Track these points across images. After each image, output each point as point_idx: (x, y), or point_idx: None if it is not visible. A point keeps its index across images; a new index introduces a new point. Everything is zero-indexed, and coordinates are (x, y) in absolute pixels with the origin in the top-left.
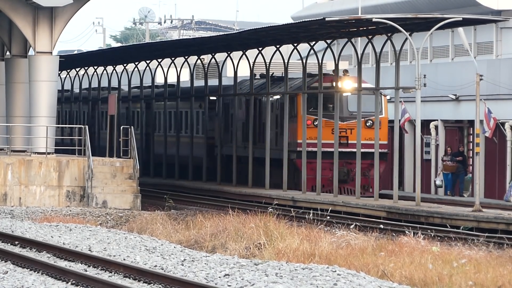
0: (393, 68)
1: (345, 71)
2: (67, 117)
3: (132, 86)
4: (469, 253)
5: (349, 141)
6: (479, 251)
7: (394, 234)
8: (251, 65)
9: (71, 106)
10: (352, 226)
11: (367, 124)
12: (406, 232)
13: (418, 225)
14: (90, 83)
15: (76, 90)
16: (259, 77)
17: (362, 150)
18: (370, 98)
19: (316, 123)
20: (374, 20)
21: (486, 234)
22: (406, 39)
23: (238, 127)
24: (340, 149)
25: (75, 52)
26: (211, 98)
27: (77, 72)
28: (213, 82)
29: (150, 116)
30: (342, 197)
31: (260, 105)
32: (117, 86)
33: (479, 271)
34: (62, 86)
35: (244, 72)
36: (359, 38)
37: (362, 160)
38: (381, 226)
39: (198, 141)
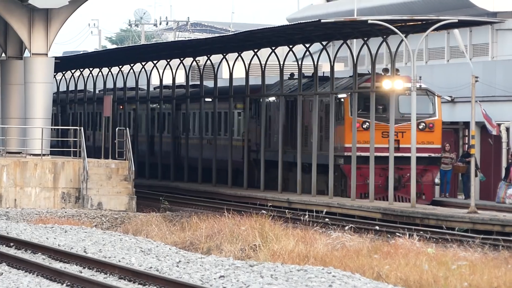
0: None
1: (396, 70)
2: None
3: (128, 87)
4: (465, 254)
5: (400, 145)
6: (474, 253)
7: (389, 235)
8: (247, 67)
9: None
10: (347, 228)
11: (420, 127)
12: (402, 233)
13: (413, 227)
14: (85, 84)
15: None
16: (289, 77)
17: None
18: (422, 99)
19: (365, 126)
20: (369, 21)
21: (482, 236)
22: (402, 40)
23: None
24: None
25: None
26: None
27: (73, 73)
28: (208, 84)
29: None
30: (337, 198)
31: (294, 106)
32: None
33: (474, 273)
34: (67, 87)
35: (239, 73)
36: (354, 40)
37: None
38: (377, 227)
39: (194, 142)
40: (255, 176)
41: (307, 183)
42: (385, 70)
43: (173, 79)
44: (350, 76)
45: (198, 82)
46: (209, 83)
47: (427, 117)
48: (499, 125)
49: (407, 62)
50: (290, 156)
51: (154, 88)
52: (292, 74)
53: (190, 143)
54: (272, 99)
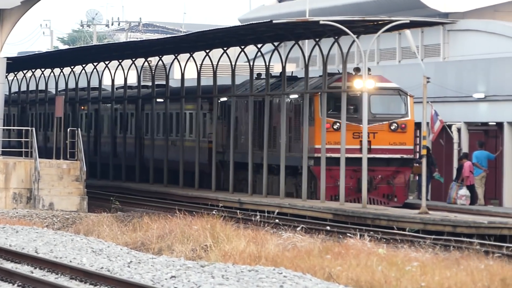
0: (339, 70)
1: (368, 70)
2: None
3: (80, 87)
4: (416, 255)
5: (372, 146)
6: (425, 253)
7: (340, 236)
8: (199, 68)
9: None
10: (298, 228)
11: (392, 128)
12: (353, 234)
13: (364, 227)
14: (45, 84)
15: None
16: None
17: (386, 155)
18: (394, 99)
19: (336, 126)
20: (321, 22)
21: (433, 237)
22: (353, 41)
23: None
24: (362, 155)
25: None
26: (158, 100)
27: (24, 74)
28: (173, 83)
29: (100, 118)
30: (289, 199)
31: (262, 107)
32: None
33: (426, 274)
34: (27, 87)
35: (191, 74)
36: (306, 40)
37: (386, 167)
38: (328, 228)
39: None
40: (221, 178)
41: (276, 186)
42: (356, 70)
43: (125, 79)
44: (320, 76)
45: (163, 82)
46: (174, 83)
47: (399, 118)
48: (450, 126)
49: (359, 63)
50: (258, 157)
51: (117, 88)
52: (259, 74)
53: (148, 144)
54: (239, 99)
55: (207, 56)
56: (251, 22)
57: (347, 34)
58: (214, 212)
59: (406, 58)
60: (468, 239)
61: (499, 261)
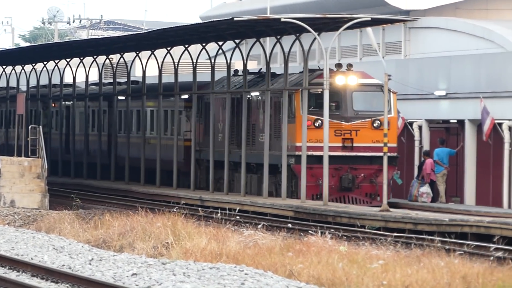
0: (301, 68)
1: (349, 65)
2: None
3: (39, 85)
4: (377, 252)
5: (354, 144)
6: (386, 251)
7: (301, 233)
8: (160, 65)
9: None
10: (260, 226)
11: (375, 125)
12: (314, 231)
13: (325, 225)
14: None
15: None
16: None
17: (368, 154)
18: (377, 95)
19: (317, 123)
20: (282, 20)
21: (394, 234)
22: (315, 39)
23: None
24: (344, 153)
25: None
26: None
27: None
28: (122, 81)
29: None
30: (250, 197)
31: (240, 104)
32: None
33: (387, 271)
34: None
35: (152, 71)
36: (267, 38)
37: (368, 165)
38: (289, 225)
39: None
40: (198, 176)
41: (254, 184)
42: (338, 65)
43: (86, 77)
44: (300, 72)
45: (138, 79)
46: (150, 80)
47: (381, 115)
48: (411, 124)
49: (320, 61)
50: (236, 156)
51: (91, 85)
52: (236, 71)
53: (121, 142)
54: (217, 96)
55: (168, 54)
56: (212, 20)
57: (308, 31)
58: (175, 210)
59: (368, 55)
60: (429, 237)
61: (460, 259)
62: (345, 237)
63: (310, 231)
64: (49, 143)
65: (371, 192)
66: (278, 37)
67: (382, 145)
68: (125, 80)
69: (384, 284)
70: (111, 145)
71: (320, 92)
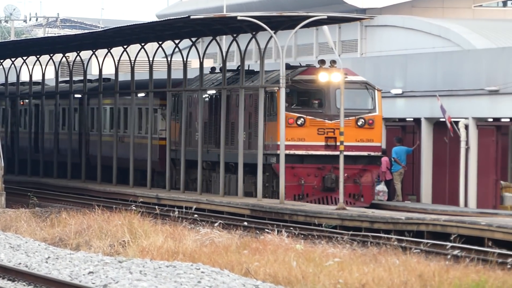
0: (257, 66)
1: (333, 62)
2: None
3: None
4: (333, 251)
5: (338, 143)
6: (343, 249)
7: (258, 232)
8: (116, 63)
9: None
10: (216, 224)
11: (359, 123)
12: (270, 230)
13: (282, 223)
14: None
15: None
16: (213, 71)
17: (352, 153)
18: (361, 93)
19: (300, 122)
20: (239, 18)
21: (350, 232)
22: (271, 37)
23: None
24: (327, 153)
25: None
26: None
27: None
28: (79, 79)
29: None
30: (206, 195)
31: (218, 102)
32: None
33: (343, 270)
34: None
35: (109, 70)
36: (224, 36)
37: (352, 165)
38: (245, 223)
39: (64, 138)
40: (173, 176)
41: (233, 185)
42: (321, 62)
43: (43, 75)
44: None
45: (108, 76)
46: (123, 77)
47: (366, 113)
48: None
49: (277, 59)
50: (214, 155)
51: (61, 83)
52: (213, 68)
53: (92, 140)
54: (193, 94)
55: (125, 52)
56: (168, 18)
57: (264, 29)
58: (133, 208)
59: (324, 53)
60: (386, 235)
61: (417, 257)
62: (301, 236)
63: (266, 230)
64: (17, 142)
65: (355, 193)
66: (235, 35)
67: (366, 144)
68: (82, 78)
69: (340, 283)
70: (81, 143)
71: (303, 91)
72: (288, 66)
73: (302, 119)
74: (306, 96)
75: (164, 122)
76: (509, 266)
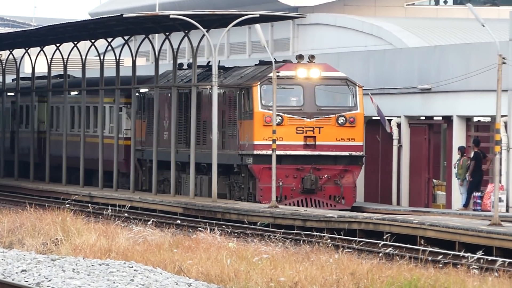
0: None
1: (311, 57)
2: None
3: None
4: (266, 249)
5: (317, 142)
6: (275, 247)
7: (191, 230)
8: (49, 61)
9: None
10: (149, 223)
11: (339, 122)
12: (203, 228)
13: (215, 221)
14: None
15: None
16: (184, 67)
17: (332, 153)
18: (341, 89)
19: (278, 120)
20: (171, 16)
21: (283, 231)
22: (204, 35)
23: None
24: (306, 152)
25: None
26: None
27: None
28: (10, 78)
29: None
30: (139, 193)
31: (189, 99)
32: None
33: (276, 268)
34: None
35: (42, 68)
36: (156, 34)
37: (332, 166)
38: (178, 222)
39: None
40: (139, 178)
41: (205, 186)
42: (299, 57)
43: None
44: (256, 65)
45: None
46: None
47: (347, 111)
48: None
49: (209, 57)
50: (184, 155)
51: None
52: (181, 64)
53: (51, 140)
54: (161, 91)
55: (57, 50)
56: (101, 16)
57: (197, 28)
58: (67, 205)
59: (256, 52)
60: (318, 233)
61: (349, 255)
62: (234, 234)
63: (200, 228)
64: None
65: (336, 195)
66: (167, 33)
67: (347, 143)
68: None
69: (273, 281)
70: (41, 143)
71: (284, 87)
72: (263, 62)
73: (280, 118)
74: (283, 93)
75: (129, 121)
76: (441, 264)
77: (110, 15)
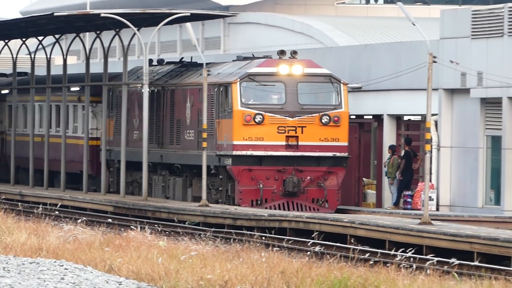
0: (121, 63)
1: (294, 52)
2: None
3: None
4: (196, 247)
5: (300, 143)
6: (206, 246)
7: (121, 228)
8: None
9: None
10: (80, 221)
11: (323, 121)
12: (134, 226)
13: (145, 220)
14: None
15: None
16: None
17: (316, 153)
18: (325, 87)
19: (258, 119)
20: (102, 15)
21: (213, 229)
22: (134, 34)
23: None
24: (288, 153)
25: None
26: None
27: None
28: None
29: None
30: (70, 191)
31: (161, 97)
32: None
33: (206, 266)
34: None
35: None
36: (87, 33)
37: (316, 167)
38: (109, 220)
39: None
40: (108, 179)
41: (178, 189)
42: (281, 53)
43: None
44: (233, 61)
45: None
46: (41, 71)
47: (331, 109)
48: None
49: (140, 56)
50: (156, 155)
51: None
52: (151, 60)
53: (10, 140)
54: (131, 89)
55: None
56: (32, 15)
57: (128, 27)
58: None
59: (187, 50)
60: (248, 232)
61: (279, 254)
62: (165, 232)
63: (131, 226)
64: None
65: (319, 198)
66: (98, 32)
67: (331, 144)
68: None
69: (203, 279)
70: (6, 144)
71: (264, 85)
72: (241, 58)
73: (260, 116)
74: (264, 91)
75: (95, 120)
76: (371, 263)
77: (41, 14)
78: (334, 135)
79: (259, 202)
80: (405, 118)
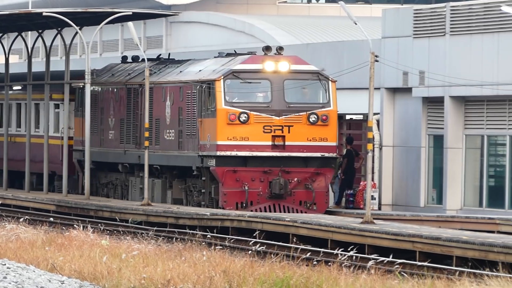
0: (63, 62)
1: (280, 49)
2: None
3: None
4: (138, 246)
5: (286, 143)
6: (148, 245)
7: (64, 227)
8: None
9: None
10: (22, 220)
11: (311, 120)
12: (77, 225)
13: (88, 219)
14: None
15: None
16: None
17: (303, 154)
18: (313, 85)
19: (243, 118)
20: (44, 14)
21: (155, 228)
22: (76, 33)
23: None
24: (274, 154)
25: None
26: None
27: None
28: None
29: None
30: (12, 190)
31: (138, 95)
32: None
33: (148, 265)
34: None
35: None
36: (30, 32)
37: (303, 168)
38: (51, 219)
39: None
40: (80, 180)
41: (158, 190)
42: (267, 49)
43: None
44: (215, 57)
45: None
46: (16, 69)
47: (319, 108)
48: None
49: (82, 55)
50: (133, 156)
51: None
52: (125, 57)
53: None
54: (106, 87)
55: None
56: None
57: (70, 25)
58: None
59: (129, 49)
60: (191, 231)
61: (221, 253)
62: (107, 231)
63: (74, 225)
64: None
65: (307, 200)
66: (40, 31)
67: (319, 144)
68: None
69: (145, 278)
70: None
71: (249, 82)
72: (223, 54)
73: (245, 115)
74: (249, 89)
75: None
76: (314, 262)
77: None
78: (322, 135)
79: (244, 204)
80: (347, 117)
